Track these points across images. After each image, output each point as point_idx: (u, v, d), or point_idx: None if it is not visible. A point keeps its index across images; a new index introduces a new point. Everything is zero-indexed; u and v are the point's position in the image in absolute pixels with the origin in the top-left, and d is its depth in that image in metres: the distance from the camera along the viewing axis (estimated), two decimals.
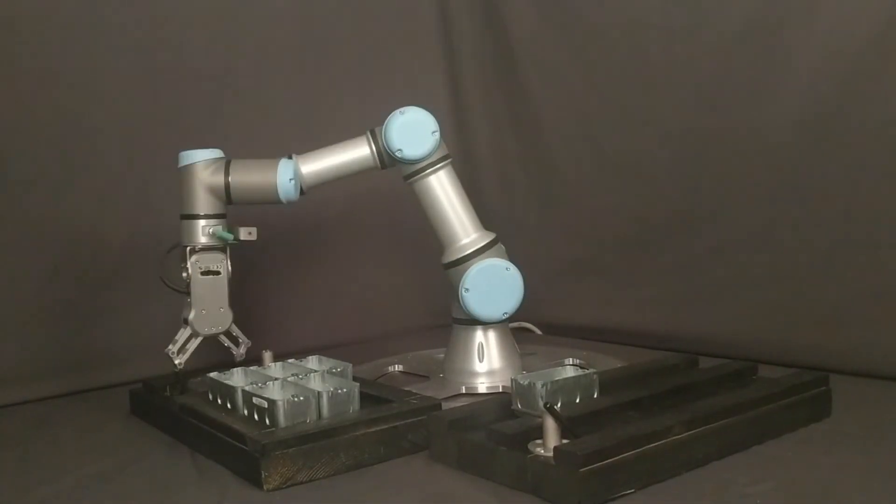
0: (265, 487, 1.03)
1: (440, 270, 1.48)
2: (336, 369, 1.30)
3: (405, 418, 1.15)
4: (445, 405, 1.23)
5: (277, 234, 1.85)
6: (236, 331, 1.40)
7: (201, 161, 1.37)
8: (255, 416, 1.15)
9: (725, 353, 1.51)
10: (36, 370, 1.54)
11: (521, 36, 1.97)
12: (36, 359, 1.55)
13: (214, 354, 1.53)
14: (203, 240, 1.36)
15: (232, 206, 1.39)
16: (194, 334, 1.36)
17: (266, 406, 1.12)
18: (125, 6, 1.65)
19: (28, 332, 1.55)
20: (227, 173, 1.36)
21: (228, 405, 1.21)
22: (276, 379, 1.22)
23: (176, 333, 1.35)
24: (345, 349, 1.70)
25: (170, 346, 1.34)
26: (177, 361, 1.34)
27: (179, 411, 1.25)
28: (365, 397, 1.27)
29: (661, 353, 1.58)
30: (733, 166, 1.60)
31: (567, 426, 1.00)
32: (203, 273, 1.35)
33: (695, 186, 1.67)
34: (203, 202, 1.36)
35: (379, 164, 1.43)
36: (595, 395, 1.17)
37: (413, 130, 1.41)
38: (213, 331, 1.37)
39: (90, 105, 1.62)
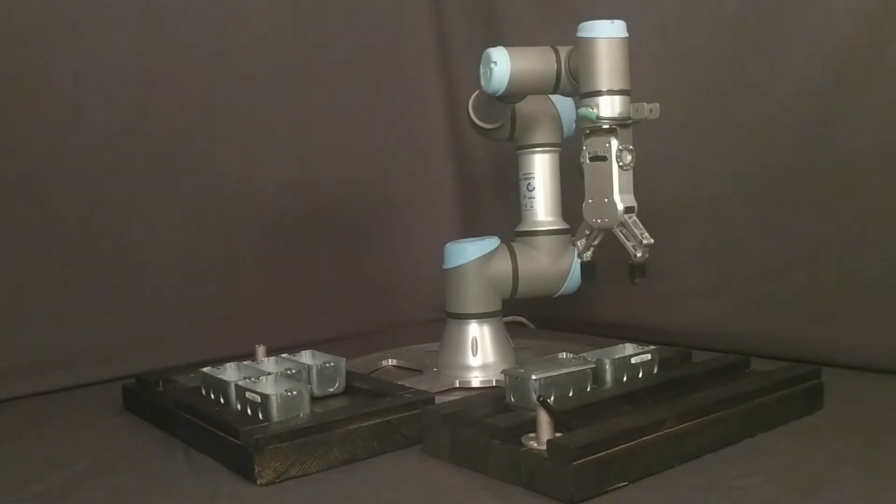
0: (258, 482, 1.03)
1: (435, 264, 1.47)
2: (329, 364, 1.29)
3: (399, 412, 1.15)
4: (439, 399, 1.23)
5: (271, 228, 1.85)
6: (639, 227, 1.24)
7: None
8: (249, 411, 1.15)
9: (718, 347, 1.51)
10: (28, 365, 1.53)
11: (515, 32, 1.97)
12: (28, 354, 1.54)
13: (214, 352, 1.53)
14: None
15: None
16: (586, 224, 1.27)
17: (259, 401, 1.12)
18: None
19: (21, 327, 1.54)
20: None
21: (222, 400, 1.21)
22: (269, 374, 1.22)
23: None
24: (338, 343, 1.70)
25: (576, 242, 1.30)
26: (585, 256, 1.30)
27: (173, 406, 1.25)
28: (359, 391, 1.27)
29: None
30: (726, 162, 1.60)
31: (560, 419, 1.00)
32: (592, 159, 1.24)
33: (688, 181, 1.67)
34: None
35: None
36: (588, 389, 1.18)
37: None
38: (600, 223, 1.25)
39: (86, 98, 1.61)
